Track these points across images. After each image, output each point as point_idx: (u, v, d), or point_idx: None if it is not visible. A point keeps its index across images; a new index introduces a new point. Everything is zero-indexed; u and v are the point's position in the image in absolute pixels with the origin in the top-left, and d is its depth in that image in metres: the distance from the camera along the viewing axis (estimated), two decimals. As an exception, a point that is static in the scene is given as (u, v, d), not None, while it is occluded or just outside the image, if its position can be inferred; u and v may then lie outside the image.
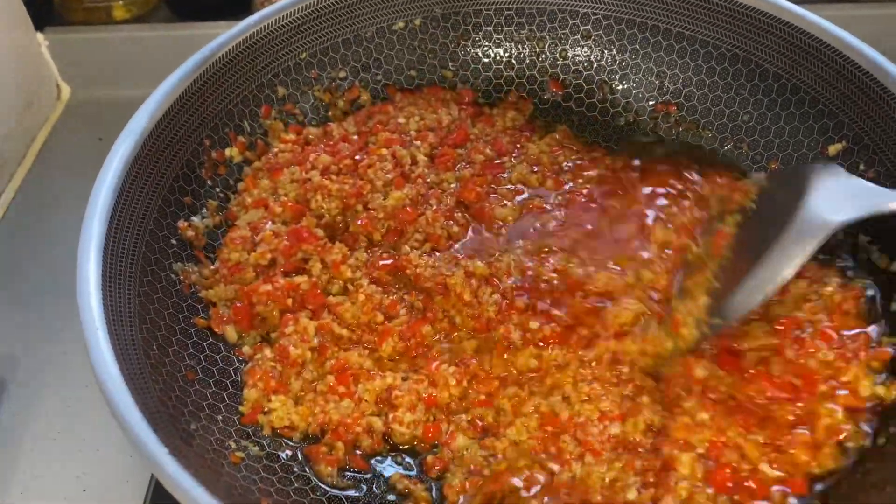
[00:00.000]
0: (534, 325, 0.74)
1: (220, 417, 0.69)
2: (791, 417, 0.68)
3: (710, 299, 0.73)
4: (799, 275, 0.74)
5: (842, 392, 0.69)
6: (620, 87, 0.97)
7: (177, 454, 0.56)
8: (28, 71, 1.12)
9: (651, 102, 0.96)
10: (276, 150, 0.90)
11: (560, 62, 0.98)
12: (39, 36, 1.16)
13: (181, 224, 0.79)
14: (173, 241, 0.78)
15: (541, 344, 0.74)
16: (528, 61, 0.99)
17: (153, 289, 0.72)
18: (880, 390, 0.69)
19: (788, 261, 0.68)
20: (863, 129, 0.81)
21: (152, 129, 0.76)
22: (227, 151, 0.86)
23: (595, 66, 0.98)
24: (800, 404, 0.68)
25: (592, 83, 0.98)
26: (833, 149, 0.83)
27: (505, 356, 0.74)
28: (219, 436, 0.67)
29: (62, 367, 0.87)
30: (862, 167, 0.81)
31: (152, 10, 1.28)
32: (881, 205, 0.68)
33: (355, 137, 0.90)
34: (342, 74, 0.95)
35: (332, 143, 0.89)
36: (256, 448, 0.69)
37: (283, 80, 0.91)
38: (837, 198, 0.69)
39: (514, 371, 0.73)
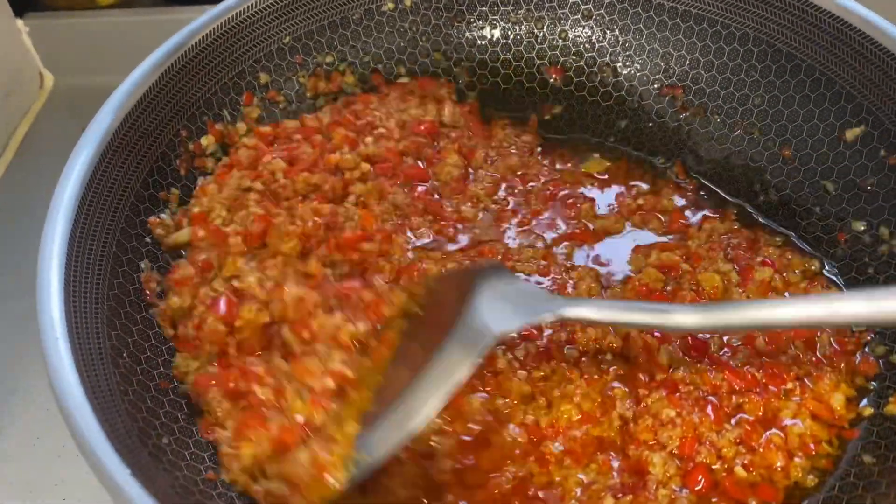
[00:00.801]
0: (519, 352, 0.70)
1: (195, 429, 0.65)
2: (760, 412, 0.66)
3: (362, 427, 0.59)
4: (762, 262, 0.75)
5: (810, 398, 0.67)
6: (624, 70, 0.92)
7: (142, 475, 0.52)
8: (8, 59, 1.09)
9: (656, 86, 0.91)
10: (239, 145, 0.83)
11: (560, 44, 0.93)
12: (20, 22, 1.13)
13: (152, 220, 0.75)
14: (147, 240, 0.74)
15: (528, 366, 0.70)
16: (525, 43, 0.94)
17: (124, 291, 0.68)
18: (866, 410, 0.67)
19: (448, 376, 0.58)
20: (883, 113, 0.76)
21: (122, 121, 0.71)
22: (204, 141, 0.82)
23: (597, 47, 0.93)
24: (755, 398, 0.66)
25: (594, 66, 0.93)
26: (851, 133, 0.78)
27: (496, 382, 0.69)
28: (194, 450, 0.63)
29: (41, 369, 0.83)
30: (883, 153, 0.76)
31: (138, -6, 1.23)
32: (543, 315, 0.62)
33: (318, 138, 0.83)
34: (328, 59, 0.90)
35: (293, 145, 0.82)
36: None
37: (266, 66, 0.87)
38: (504, 304, 0.63)
39: (510, 398, 0.68)
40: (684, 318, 0.61)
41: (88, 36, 1.16)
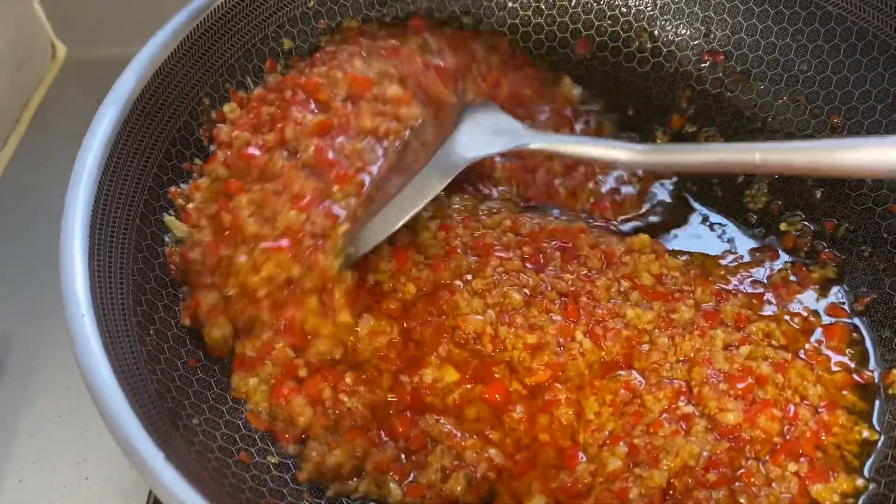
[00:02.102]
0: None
1: (225, 409, 0.63)
2: None
3: (351, 226, 0.70)
4: None
5: None
6: (662, 35, 0.89)
7: (175, 458, 0.50)
8: (19, 28, 1.07)
9: (696, 52, 0.88)
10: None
11: (594, 7, 0.91)
12: (30, -10, 1.10)
13: (174, 191, 0.72)
14: (172, 212, 0.71)
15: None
16: (558, 7, 0.91)
17: (149, 266, 0.66)
18: None
19: (423, 194, 0.71)
20: (942, 78, 0.72)
21: (143, 90, 0.69)
22: (226, 108, 0.79)
23: (633, 10, 0.90)
24: None
25: (630, 31, 0.90)
26: (906, 100, 0.75)
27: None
28: (225, 430, 0.61)
29: (62, 346, 0.80)
30: (940, 120, 0.73)
31: (151, -40, 1.20)
32: (512, 144, 0.74)
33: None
34: (353, 25, 0.87)
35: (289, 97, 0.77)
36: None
37: (290, 31, 0.84)
38: (482, 135, 0.76)
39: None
40: (623, 153, 0.71)
41: (101, 5, 1.13)
